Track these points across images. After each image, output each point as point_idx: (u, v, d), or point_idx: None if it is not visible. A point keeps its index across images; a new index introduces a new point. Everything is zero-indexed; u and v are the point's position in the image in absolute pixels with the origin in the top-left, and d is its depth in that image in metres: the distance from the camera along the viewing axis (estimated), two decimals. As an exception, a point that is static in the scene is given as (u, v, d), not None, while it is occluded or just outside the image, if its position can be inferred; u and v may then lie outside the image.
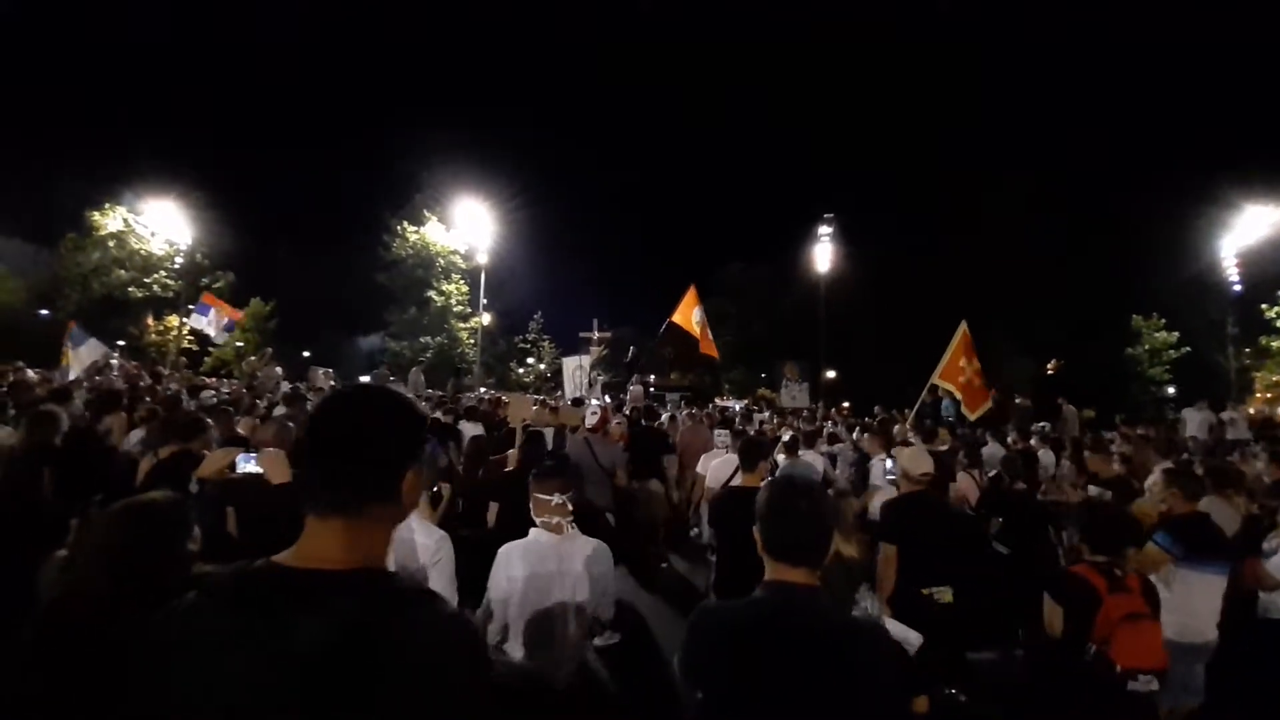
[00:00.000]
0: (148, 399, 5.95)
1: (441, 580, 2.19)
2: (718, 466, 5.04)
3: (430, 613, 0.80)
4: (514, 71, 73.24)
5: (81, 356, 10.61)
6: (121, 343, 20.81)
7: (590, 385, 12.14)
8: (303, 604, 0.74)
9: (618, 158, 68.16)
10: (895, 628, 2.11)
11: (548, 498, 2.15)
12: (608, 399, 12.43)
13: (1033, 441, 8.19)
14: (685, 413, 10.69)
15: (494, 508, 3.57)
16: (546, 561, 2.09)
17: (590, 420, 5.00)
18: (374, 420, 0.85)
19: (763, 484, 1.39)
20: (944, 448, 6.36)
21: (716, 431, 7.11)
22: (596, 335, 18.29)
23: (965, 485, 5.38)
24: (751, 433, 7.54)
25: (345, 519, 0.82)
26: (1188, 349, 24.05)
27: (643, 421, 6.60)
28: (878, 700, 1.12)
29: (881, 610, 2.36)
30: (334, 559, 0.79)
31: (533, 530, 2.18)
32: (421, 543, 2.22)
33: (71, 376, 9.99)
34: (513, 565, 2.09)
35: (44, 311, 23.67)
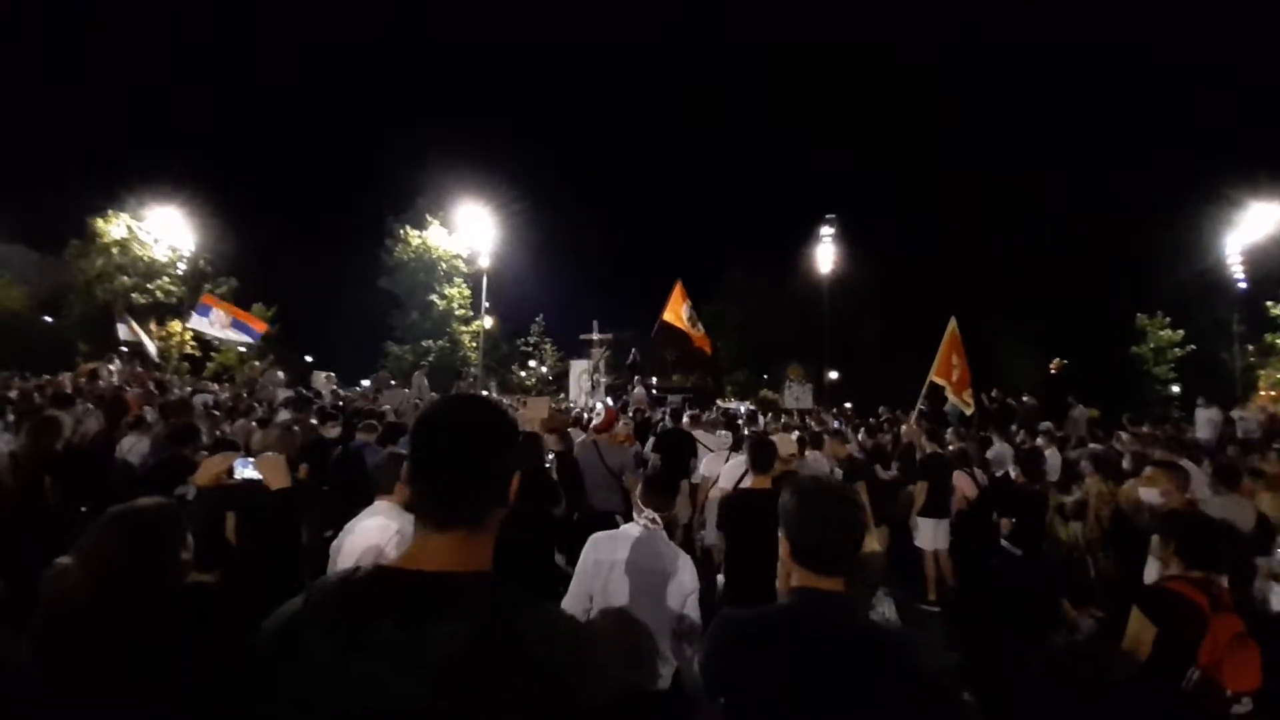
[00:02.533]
0: (143, 407, 5.88)
1: None
2: (727, 469, 5.01)
3: (551, 615, 0.82)
4: (515, 76, 73.50)
5: (121, 333, 13.23)
6: (125, 348, 20.83)
7: (594, 388, 12.09)
8: (433, 608, 0.74)
9: (619, 161, 68.32)
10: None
11: (643, 506, 2.28)
12: (609, 400, 12.37)
13: (1039, 441, 8.12)
14: (688, 414, 10.63)
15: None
16: (624, 552, 2.19)
17: (596, 421, 4.95)
18: (481, 431, 0.87)
19: (785, 487, 1.34)
20: (952, 448, 6.31)
21: (719, 433, 7.06)
22: (597, 337, 18.21)
23: (963, 483, 5.32)
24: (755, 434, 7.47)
25: (465, 530, 0.83)
26: (1193, 347, 23.91)
27: (667, 424, 6.51)
28: (913, 715, 1.06)
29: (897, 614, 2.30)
30: (453, 566, 0.80)
31: (626, 524, 2.32)
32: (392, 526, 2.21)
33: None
34: (600, 549, 2.22)
35: (48, 318, 23.73)
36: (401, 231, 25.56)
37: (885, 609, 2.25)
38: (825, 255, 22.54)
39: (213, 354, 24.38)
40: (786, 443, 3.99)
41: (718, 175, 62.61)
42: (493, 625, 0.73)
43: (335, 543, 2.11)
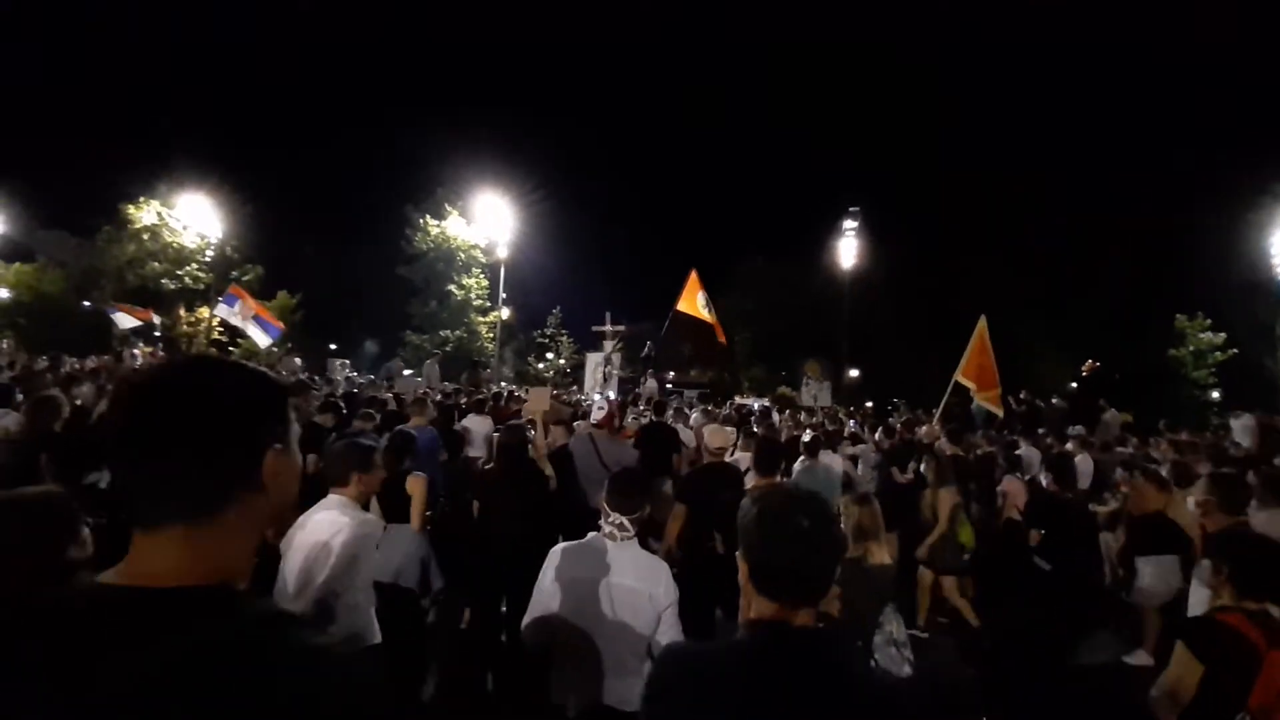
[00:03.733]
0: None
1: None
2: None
3: (306, 642, 0.63)
4: (534, 68, 73.60)
5: (120, 321, 13.88)
6: (158, 333, 21.39)
7: (605, 380, 11.94)
8: (117, 634, 0.58)
9: (637, 152, 67.98)
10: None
11: (611, 513, 2.06)
12: (610, 394, 12.20)
13: (1070, 445, 7.73)
14: (699, 409, 10.41)
15: (477, 505, 3.52)
16: (593, 568, 2.00)
17: (596, 416, 4.78)
18: (188, 396, 0.65)
19: (748, 497, 1.13)
20: (980, 451, 6.01)
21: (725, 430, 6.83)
22: (609, 328, 18.02)
23: (1014, 489, 5.04)
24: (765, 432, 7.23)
25: (183, 528, 0.63)
26: (1234, 351, 22.80)
27: (652, 418, 6.31)
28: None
29: (905, 636, 2.08)
30: (170, 575, 0.62)
31: (591, 533, 2.13)
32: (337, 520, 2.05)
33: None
34: (559, 567, 2.04)
35: (86, 303, 24.49)
36: (421, 221, 25.72)
37: (893, 627, 2.03)
38: (848, 249, 21.90)
39: (239, 339, 24.93)
40: (718, 435, 3.89)
41: (738, 169, 61.87)
42: (213, 658, 0.57)
43: (285, 537, 1.99)
